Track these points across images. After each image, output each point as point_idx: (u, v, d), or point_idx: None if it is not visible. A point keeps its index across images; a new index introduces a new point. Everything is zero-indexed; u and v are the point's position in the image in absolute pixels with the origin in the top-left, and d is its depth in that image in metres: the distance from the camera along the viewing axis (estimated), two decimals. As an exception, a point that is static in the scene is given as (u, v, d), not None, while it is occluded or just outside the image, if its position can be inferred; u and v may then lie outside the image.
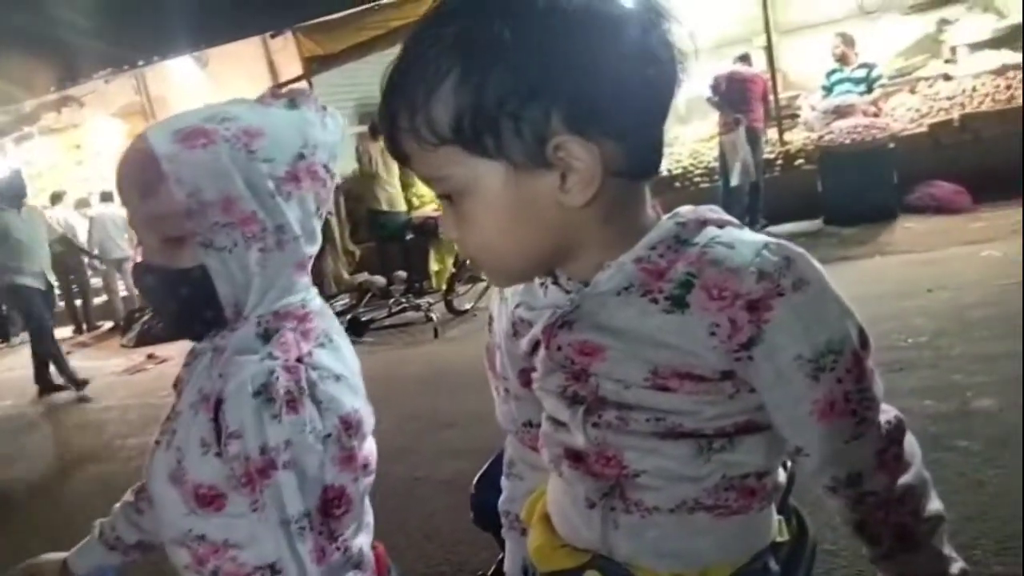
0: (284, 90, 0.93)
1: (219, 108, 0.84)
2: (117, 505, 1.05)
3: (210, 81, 9.59)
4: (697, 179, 7.49)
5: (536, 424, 0.79)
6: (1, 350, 9.39)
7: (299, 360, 0.81)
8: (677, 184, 7.42)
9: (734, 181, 6.61)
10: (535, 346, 0.73)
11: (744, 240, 0.65)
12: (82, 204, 9.44)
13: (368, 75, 9.57)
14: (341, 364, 0.86)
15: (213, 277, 0.82)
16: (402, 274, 7.11)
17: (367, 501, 0.91)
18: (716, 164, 7.06)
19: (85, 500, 3.82)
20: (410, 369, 5.03)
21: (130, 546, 1.03)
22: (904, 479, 0.69)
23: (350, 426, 0.83)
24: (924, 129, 6.79)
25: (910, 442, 0.71)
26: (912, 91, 7.42)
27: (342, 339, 0.90)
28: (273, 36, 9.16)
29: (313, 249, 0.90)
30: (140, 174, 0.81)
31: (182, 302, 0.84)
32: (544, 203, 0.64)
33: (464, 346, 5.16)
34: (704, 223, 0.67)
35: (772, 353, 0.63)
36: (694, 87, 7.53)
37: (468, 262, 0.84)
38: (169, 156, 0.79)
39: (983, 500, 2.20)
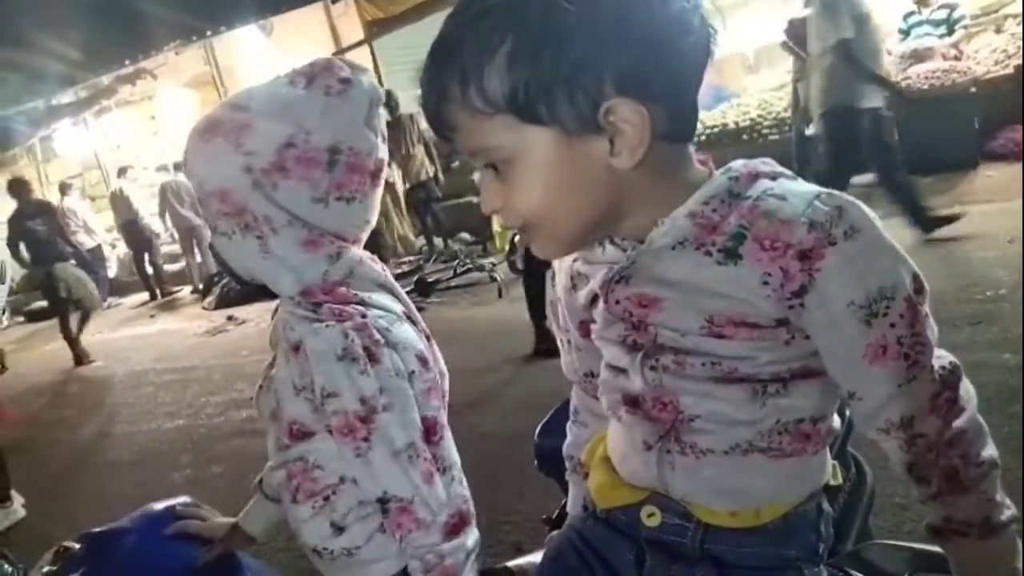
0: (308, 64, 0.94)
1: (246, 95, 0.92)
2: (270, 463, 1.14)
3: (275, 48, 9.76)
4: (766, 131, 7.26)
5: (597, 374, 0.83)
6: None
7: (364, 317, 0.89)
8: (745, 137, 7.22)
9: (809, 131, 6.38)
10: (593, 299, 0.76)
11: (796, 191, 0.66)
12: (162, 170, 9.84)
13: (426, 37, 9.52)
14: (396, 308, 0.94)
15: (224, 258, 0.92)
16: (466, 236, 7.19)
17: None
18: (786, 114, 6.83)
19: (175, 454, 4.07)
20: (476, 327, 5.12)
21: None
22: (957, 423, 0.69)
23: (425, 360, 0.92)
24: (1010, 71, 6.40)
25: (965, 388, 0.71)
26: (998, 30, 6.97)
27: (387, 283, 0.97)
28: (335, 1, 9.23)
29: (332, 224, 0.93)
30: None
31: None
32: (595, 167, 0.66)
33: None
34: (756, 176, 0.69)
35: (824, 300, 0.64)
36: (764, 35, 7.29)
37: (517, 233, 0.83)
38: (189, 149, 0.90)
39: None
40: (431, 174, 7.39)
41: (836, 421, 0.77)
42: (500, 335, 4.72)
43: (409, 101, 6.81)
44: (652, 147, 0.66)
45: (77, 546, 1.11)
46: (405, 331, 0.91)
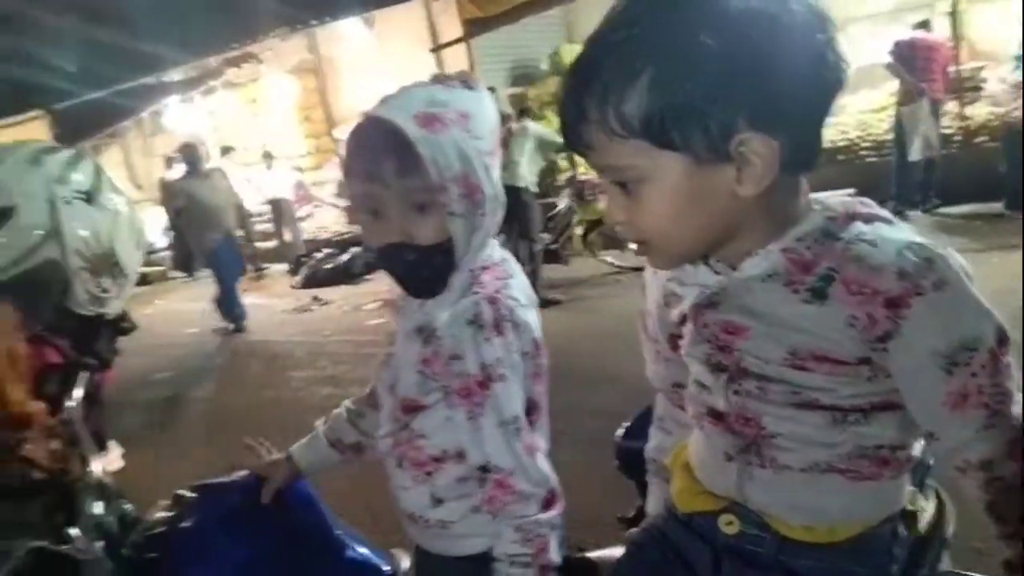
0: (453, 74, 1.02)
1: (426, 93, 0.95)
2: (337, 410, 1.24)
3: (375, 41, 10.05)
4: (864, 152, 7.07)
5: (683, 385, 0.87)
6: (187, 282, 10.45)
7: (497, 292, 0.96)
8: (841, 157, 7.03)
9: (912, 156, 6.15)
10: (683, 318, 0.81)
11: (888, 238, 0.69)
12: (267, 156, 10.19)
13: (523, 38, 9.70)
14: (526, 296, 1.00)
15: (455, 240, 0.95)
16: (545, 236, 7.20)
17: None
18: (886, 137, 6.62)
19: (260, 423, 4.28)
20: (552, 328, 5.17)
21: (347, 445, 1.21)
22: None
23: (539, 346, 0.99)
24: None
25: None
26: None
27: (522, 276, 1.04)
28: (435, -1, 9.43)
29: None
30: (395, 155, 0.92)
31: (433, 271, 0.97)
32: (719, 193, 0.70)
33: (606, 307, 5.25)
34: (853, 217, 0.71)
35: (908, 347, 0.67)
36: (864, 54, 7.08)
37: (634, 245, 0.88)
38: (420, 140, 0.90)
39: None
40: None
41: (918, 449, 0.79)
42: (578, 339, 4.77)
43: (501, 101, 6.90)
44: (775, 177, 0.69)
45: (192, 495, 1.22)
46: (529, 315, 0.98)
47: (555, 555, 0.95)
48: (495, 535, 0.97)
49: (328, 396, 4.52)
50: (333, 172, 10.46)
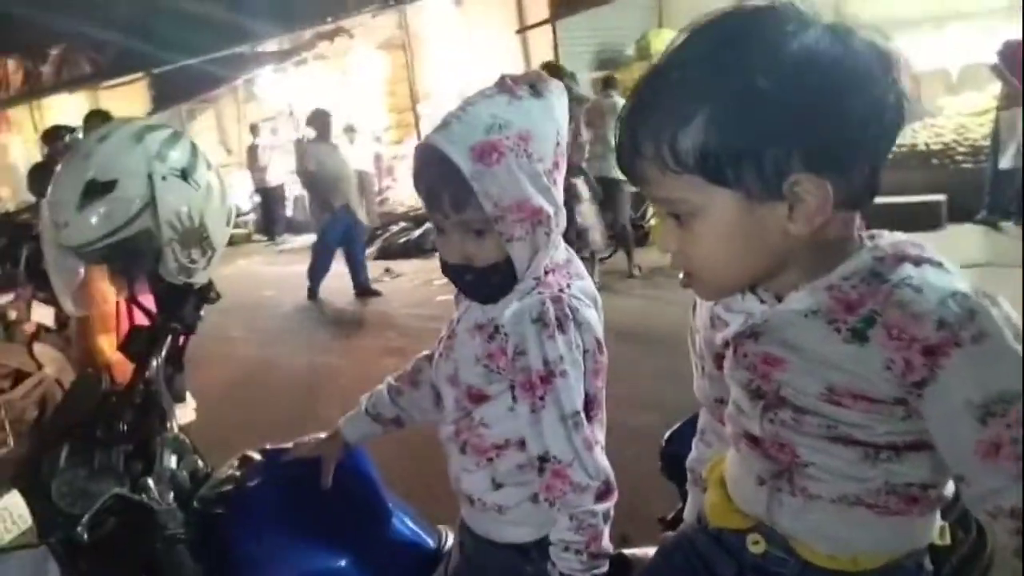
0: (521, 75, 1.03)
1: (489, 113, 0.97)
2: (378, 387, 1.30)
3: (463, 20, 10.11)
4: (960, 157, 6.75)
5: (725, 401, 0.89)
6: (268, 246, 10.85)
7: (561, 291, 1.00)
8: (935, 161, 6.74)
9: (1004, 163, 5.85)
10: (726, 343, 0.82)
11: (933, 285, 0.68)
12: (350, 130, 10.44)
13: (611, 21, 9.59)
14: (589, 297, 1.04)
15: (514, 261, 1.00)
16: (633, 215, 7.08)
17: None
18: (984, 143, 6.30)
19: (326, 388, 4.47)
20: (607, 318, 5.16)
21: (389, 419, 1.28)
22: None
23: (600, 345, 1.03)
24: None
25: None
26: None
27: (587, 278, 1.08)
28: (524, -21, 9.41)
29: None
30: (450, 190, 0.97)
31: (493, 288, 1.03)
32: (770, 230, 0.71)
33: (657, 302, 5.22)
34: (902, 259, 0.70)
35: (942, 395, 0.66)
36: (972, 53, 6.71)
37: (682, 274, 0.88)
38: (474, 175, 0.94)
39: None
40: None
41: (949, 489, 0.79)
42: (631, 331, 4.76)
43: (584, 85, 6.78)
44: (827, 215, 0.69)
45: (258, 457, 1.31)
46: (592, 315, 1.02)
47: (607, 544, 1.00)
48: (543, 525, 1.03)
49: (392, 368, 4.65)
50: (412, 147, 10.60)
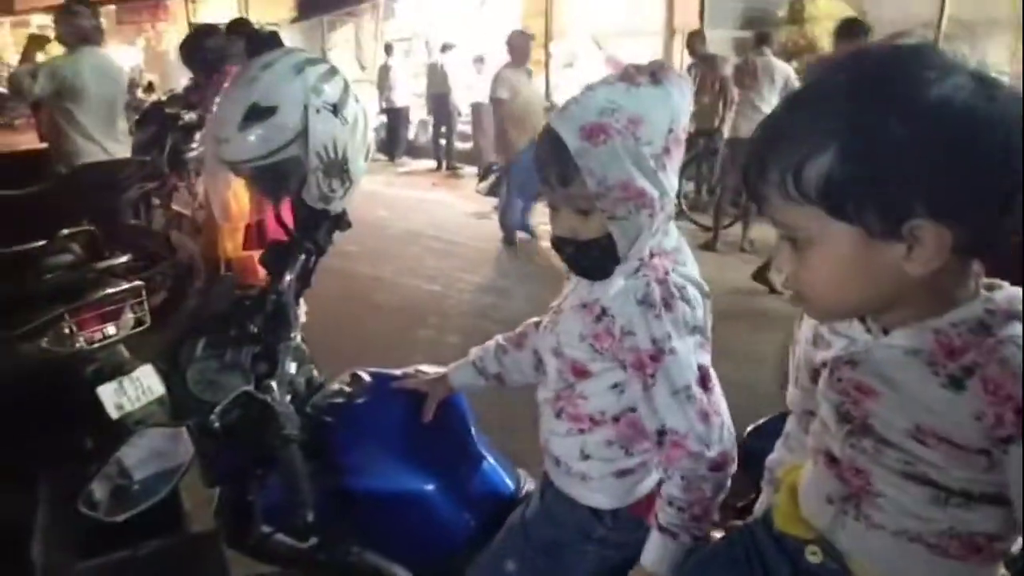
0: (645, 64, 1.05)
1: (606, 98, 1.00)
2: (489, 342, 1.39)
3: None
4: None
5: (814, 414, 0.91)
6: (387, 165, 11.14)
7: (666, 274, 1.05)
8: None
9: None
10: (824, 363, 0.84)
11: None
12: (479, 60, 10.45)
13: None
14: (694, 283, 1.09)
15: (616, 240, 1.04)
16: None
17: None
18: None
19: (425, 314, 4.63)
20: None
21: (491, 375, 1.38)
22: None
23: (706, 324, 1.08)
24: None
25: None
26: None
27: (693, 265, 1.12)
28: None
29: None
30: (558, 166, 1.02)
31: (594, 261, 1.08)
32: (885, 269, 0.72)
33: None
34: (1012, 316, 0.71)
35: None
36: None
37: (791, 294, 0.88)
38: (579, 152, 0.98)
39: None
40: (715, 125, 6.91)
41: (1017, 544, 0.79)
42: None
43: (720, 41, 6.42)
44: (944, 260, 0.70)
45: (368, 378, 1.43)
46: (696, 294, 1.07)
47: (713, 511, 1.06)
48: (622, 497, 1.12)
49: (491, 305, 4.81)
50: (541, 84, 10.52)
